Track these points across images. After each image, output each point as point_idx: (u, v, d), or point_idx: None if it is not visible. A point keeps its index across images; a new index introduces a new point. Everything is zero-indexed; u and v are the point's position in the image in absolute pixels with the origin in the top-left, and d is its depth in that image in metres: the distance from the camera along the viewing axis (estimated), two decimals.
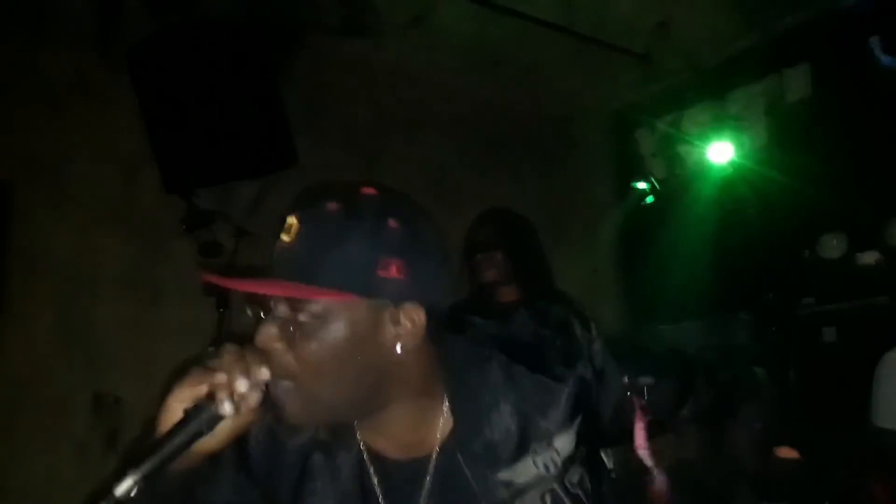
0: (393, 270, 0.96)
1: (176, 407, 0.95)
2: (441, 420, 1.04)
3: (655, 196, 4.46)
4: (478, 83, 3.99)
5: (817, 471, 3.14)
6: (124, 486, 0.87)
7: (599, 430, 1.07)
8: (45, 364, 3.11)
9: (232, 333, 2.78)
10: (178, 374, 0.96)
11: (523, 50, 3.78)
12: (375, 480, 1.05)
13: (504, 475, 1.00)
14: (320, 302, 0.95)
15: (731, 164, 4.12)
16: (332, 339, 0.95)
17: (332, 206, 0.99)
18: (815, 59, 3.86)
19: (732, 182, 4.11)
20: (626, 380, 2.87)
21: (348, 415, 1.04)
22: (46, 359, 3.12)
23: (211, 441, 0.95)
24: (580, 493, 1.01)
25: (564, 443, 1.02)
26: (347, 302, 0.95)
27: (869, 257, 3.73)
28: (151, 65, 3.03)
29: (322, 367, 0.96)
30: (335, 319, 0.95)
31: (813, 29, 3.75)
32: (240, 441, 1.03)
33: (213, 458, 0.99)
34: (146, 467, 0.89)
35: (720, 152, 4.12)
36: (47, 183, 3.23)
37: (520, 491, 0.99)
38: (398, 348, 0.98)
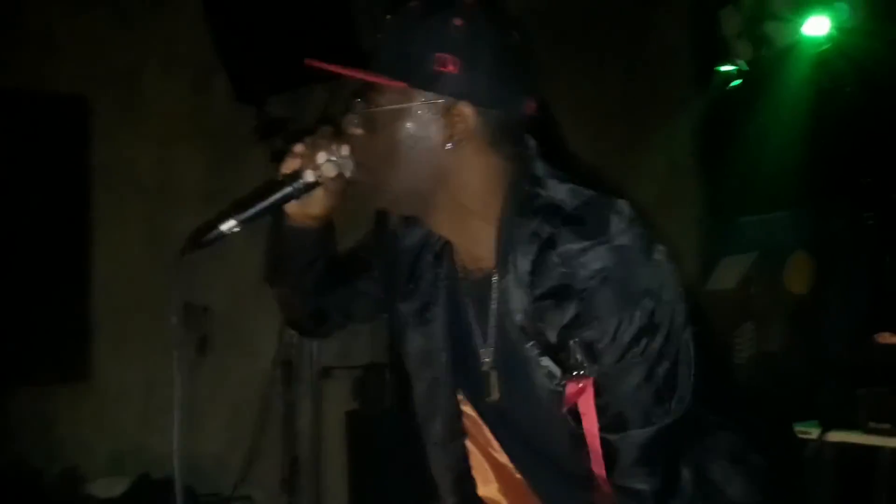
0: (449, 66, 1.02)
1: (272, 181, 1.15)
2: (491, 246, 1.08)
3: (742, 80, 4.21)
4: None
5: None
6: (228, 225, 1.11)
7: None
8: (138, 275, 3.22)
9: None
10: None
11: None
12: (463, 293, 1.16)
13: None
14: (386, 94, 1.05)
15: (827, 38, 3.82)
16: (394, 129, 1.05)
17: (414, 3, 1.06)
18: None
19: (828, 59, 3.82)
20: None
21: (408, 204, 1.12)
22: (137, 270, 3.23)
23: (312, 207, 1.16)
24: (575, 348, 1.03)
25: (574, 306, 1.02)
26: (407, 91, 1.04)
27: None
28: None
29: (387, 155, 1.06)
30: (398, 111, 1.05)
31: None
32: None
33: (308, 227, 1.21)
34: (247, 214, 1.12)
35: (815, 27, 3.82)
36: (121, 97, 3.26)
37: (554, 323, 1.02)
38: (448, 145, 1.04)
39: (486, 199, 1.07)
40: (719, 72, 4.26)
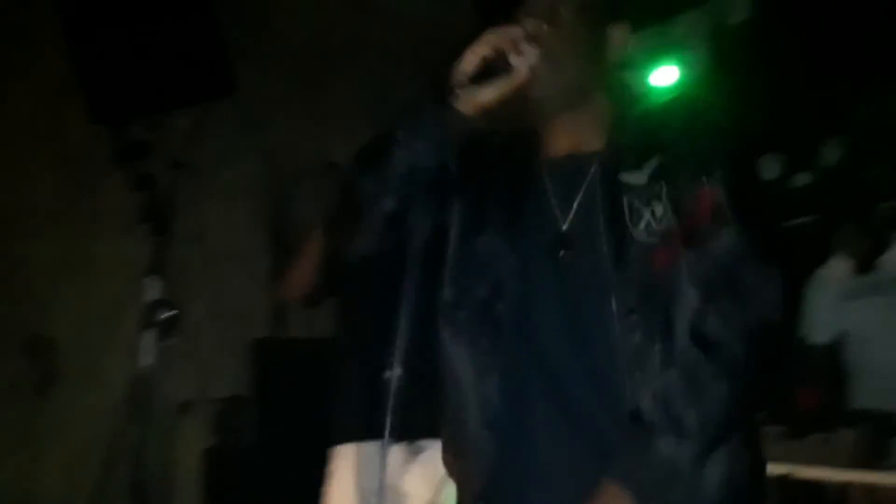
0: None
1: (472, 57, 1.23)
2: (607, 131, 1.29)
3: None
4: (426, 10, 3.87)
5: None
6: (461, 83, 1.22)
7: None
8: None
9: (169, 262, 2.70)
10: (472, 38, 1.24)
11: None
12: (546, 176, 1.31)
13: (624, 177, 1.23)
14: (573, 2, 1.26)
15: (675, 87, 4.13)
16: (579, 31, 1.27)
17: None
18: None
19: (676, 108, 4.12)
20: None
21: (569, 98, 1.28)
22: None
23: (488, 94, 1.23)
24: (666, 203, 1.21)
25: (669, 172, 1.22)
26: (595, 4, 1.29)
27: (803, 178, 3.83)
28: None
29: (570, 52, 1.26)
30: (584, 15, 1.27)
31: None
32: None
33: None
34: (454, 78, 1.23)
35: (665, 76, 4.13)
36: None
37: (631, 189, 1.22)
38: (613, 53, 1.30)
39: (614, 91, 1.32)
40: None
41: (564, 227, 1.27)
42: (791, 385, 3.09)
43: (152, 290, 2.56)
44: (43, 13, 2.91)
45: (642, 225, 1.20)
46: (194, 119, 3.35)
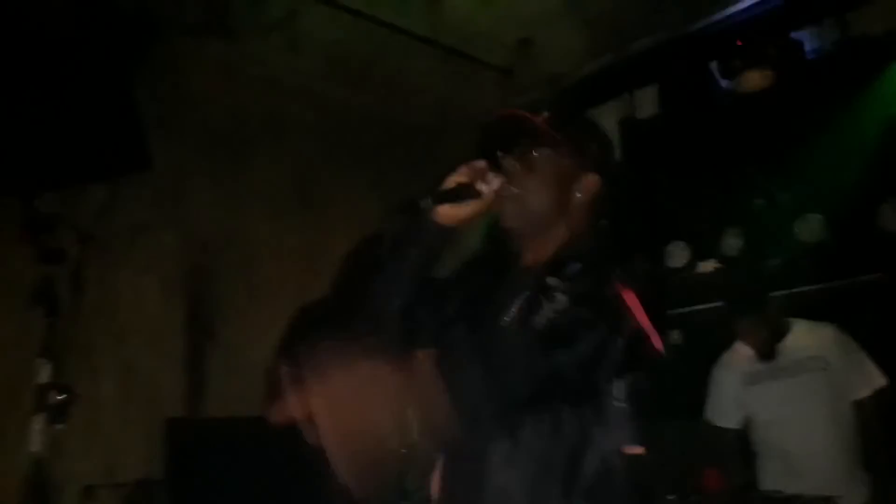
0: (594, 148, 1.62)
1: (450, 182, 1.54)
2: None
3: None
4: (343, 90, 3.97)
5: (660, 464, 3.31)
6: (425, 202, 1.50)
7: None
8: None
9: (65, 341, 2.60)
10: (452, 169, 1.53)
11: (389, 59, 3.80)
12: (520, 278, 1.57)
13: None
14: (550, 149, 1.56)
15: None
16: (547, 173, 1.56)
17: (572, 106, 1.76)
18: (662, 81, 4.13)
19: None
20: None
21: (537, 228, 1.58)
22: None
23: (462, 211, 1.53)
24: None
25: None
26: (567, 151, 1.57)
27: (708, 265, 4.02)
28: None
29: (537, 191, 1.56)
30: (555, 162, 1.56)
31: (660, 52, 4.00)
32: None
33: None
34: (435, 196, 1.50)
35: None
36: None
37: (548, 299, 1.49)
38: (578, 195, 1.56)
39: (579, 228, 1.59)
40: None
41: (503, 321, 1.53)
42: (698, 466, 3.17)
43: (43, 372, 2.46)
44: None
45: (538, 324, 1.46)
46: (108, 192, 3.29)
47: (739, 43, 3.73)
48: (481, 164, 1.54)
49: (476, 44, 3.80)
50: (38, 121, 2.84)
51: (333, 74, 3.87)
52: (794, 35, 3.73)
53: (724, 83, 3.88)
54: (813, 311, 3.19)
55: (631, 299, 1.43)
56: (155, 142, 3.08)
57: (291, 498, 3.38)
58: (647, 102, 4.20)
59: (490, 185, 1.52)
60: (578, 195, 1.57)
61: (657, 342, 1.44)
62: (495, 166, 1.55)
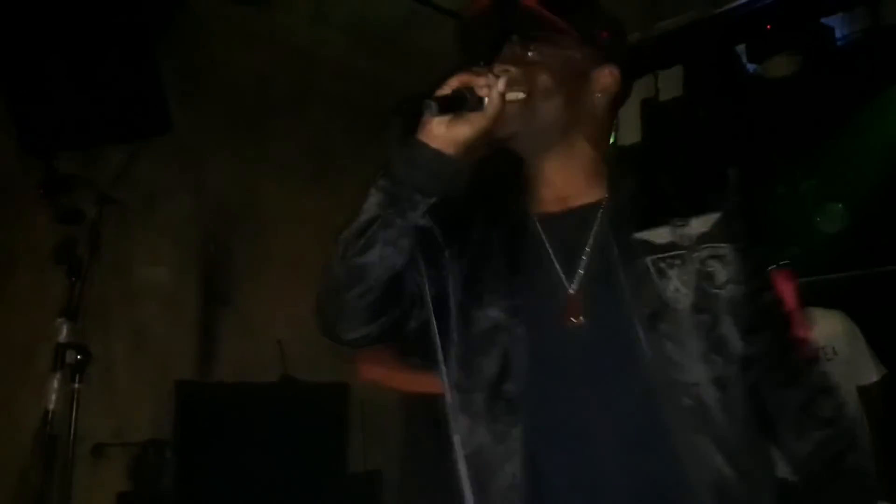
0: (605, 35, 1.25)
1: (444, 89, 1.13)
2: (601, 183, 1.23)
3: None
4: (365, 61, 3.94)
5: None
6: (430, 105, 1.10)
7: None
8: None
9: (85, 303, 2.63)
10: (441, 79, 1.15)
11: (413, 31, 3.76)
12: (543, 234, 1.23)
13: (642, 235, 1.16)
14: (548, 43, 1.21)
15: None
16: (554, 70, 1.20)
17: None
18: (686, 62, 4.06)
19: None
20: None
21: (546, 138, 1.23)
22: None
23: (463, 128, 1.12)
24: (699, 269, 1.15)
25: (700, 224, 1.17)
26: (570, 42, 1.21)
27: None
28: (15, 17, 2.80)
29: (545, 88, 1.19)
30: (558, 57, 1.21)
31: (687, 33, 3.94)
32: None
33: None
34: (437, 101, 1.10)
35: None
36: None
37: (653, 250, 1.15)
38: (598, 95, 1.24)
39: (604, 147, 1.26)
40: None
41: (571, 290, 1.18)
42: None
43: (63, 332, 2.49)
44: None
45: (671, 289, 1.13)
46: (127, 155, 3.30)
47: (769, 27, 3.66)
48: (481, 69, 1.16)
49: None
50: (60, 81, 2.85)
51: (357, 45, 3.84)
52: (824, 21, 3.66)
53: (750, 67, 3.82)
54: (830, 301, 3.17)
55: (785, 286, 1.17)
56: (176, 107, 3.08)
57: (296, 464, 3.42)
58: (671, 84, 4.13)
59: (495, 87, 1.13)
60: (598, 95, 1.23)
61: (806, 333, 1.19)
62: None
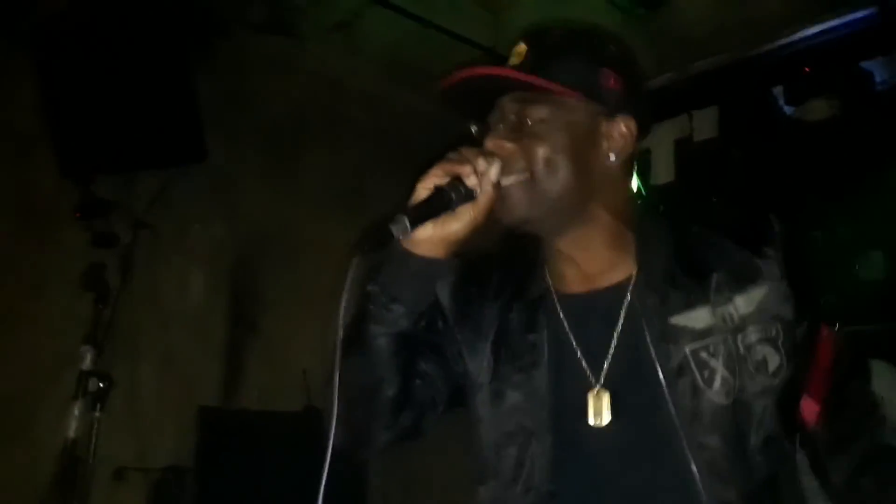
0: (612, 81, 1.07)
1: (423, 192, 1.01)
2: (629, 256, 1.08)
3: None
4: (399, 94, 3.97)
5: None
6: (399, 225, 0.95)
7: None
8: None
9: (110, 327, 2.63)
10: (421, 171, 1.03)
11: (447, 65, 3.79)
12: (565, 320, 1.08)
13: (678, 320, 1.02)
14: (545, 106, 1.05)
15: (638, 196, 4.25)
16: (557, 139, 1.04)
17: (556, 30, 1.12)
18: (722, 103, 4.04)
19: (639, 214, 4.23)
20: None
21: (559, 217, 1.07)
22: None
23: (453, 225, 1.01)
24: (749, 356, 1.01)
25: (745, 303, 1.03)
26: (571, 102, 1.05)
27: None
28: (58, 42, 2.87)
29: (548, 163, 1.04)
30: (560, 122, 1.05)
31: (722, 75, 3.92)
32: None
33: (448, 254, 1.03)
34: (413, 215, 0.96)
35: None
36: None
37: (692, 336, 1.01)
38: (611, 157, 1.07)
39: (627, 213, 1.11)
40: None
41: (596, 387, 1.04)
42: None
43: (87, 359, 2.50)
44: (23, 66, 2.91)
45: (717, 384, 0.99)
46: (162, 181, 3.34)
47: (807, 70, 3.63)
48: (467, 151, 1.04)
49: None
50: (99, 106, 2.91)
51: (391, 78, 3.87)
52: (863, 65, 3.62)
53: (787, 110, 3.78)
54: (867, 352, 3.07)
55: (827, 346, 1.01)
56: (212, 134, 3.11)
57: (315, 496, 3.37)
58: (706, 124, 4.11)
59: (487, 177, 1.01)
60: (611, 156, 1.07)
61: (816, 418, 1.03)
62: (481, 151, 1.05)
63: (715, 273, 1.05)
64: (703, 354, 1.01)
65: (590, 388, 1.05)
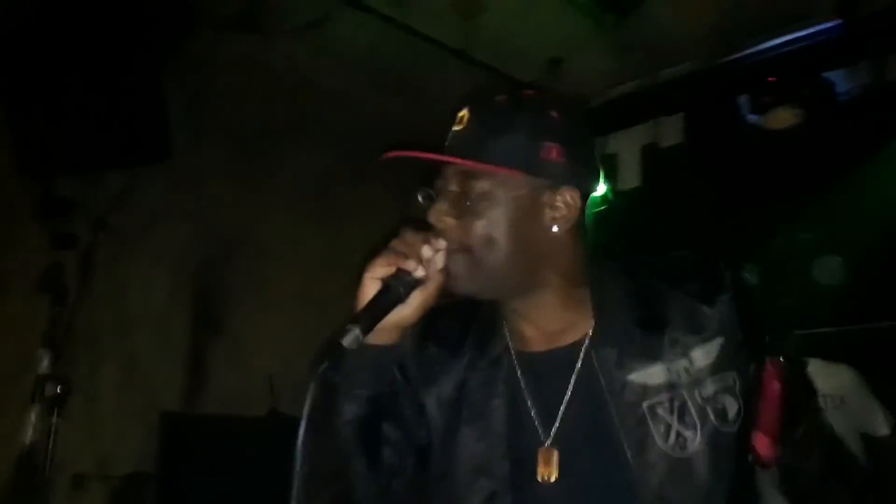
0: (554, 154, 1.07)
1: (371, 283, 1.05)
2: (586, 314, 1.11)
3: None
4: (369, 95, 3.95)
5: None
6: (350, 338, 0.97)
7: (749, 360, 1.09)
8: None
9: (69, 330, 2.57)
10: (366, 262, 1.07)
11: (418, 68, 3.78)
12: (521, 378, 1.12)
13: (636, 377, 1.05)
14: (487, 181, 1.06)
15: (604, 200, 4.28)
16: (498, 214, 1.06)
17: (500, 98, 1.11)
18: (689, 110, 4.09)
19: (605, 219, 4.26)
20: None
21: (507, 287, 1.10)
22: None
23: (405, 311, 1.05)
24: (708, 407, 1.04)
25: (700, 356, 1.06)
26: (512, 178, 1.06)
27: None
28: (19, 36, 2.79)
29: (488, 240, 1.06)
30: (500, 197, 1.07)
31: (689, 82, 3.97)
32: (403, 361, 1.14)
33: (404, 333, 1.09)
34: (364, 323, 0.99)
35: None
36: None
37: (648, 393, 1.04)
38: (555, 228, 1.09)
39: (581, 273, 1.12)
40: None
41: (547, 442, 1.07)
42: None
43: (44, 363, 2.43)
44: None
45: (672, 439, 1.02)
46: (126, 180, 3.28)
47: (771, 79, 3.69)
48: (408, 238, 1.07)
49: (507, 60, 3.78)
50: (61, 103, 2.84)
51: (362, 79, 3.85)
52: (826, 75, 3.69)
53: (752, 118, 3.84)
54: (824, 354, 3.14)
55: (773, 387, 1.02)
56: (178, 134, 3.06)
57: (278, 501, 3.33)
58: (672, 131, 4.16)
59: (432, 262, 1.05)
60: (555, 227, 1.09)
61: (771, 451, 1.04)
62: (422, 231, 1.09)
63: (669, 328, 1.07)
64: (660, 410, 1.04)
65: (540, 445, 1.08)
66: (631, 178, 4.30)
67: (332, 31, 3.49)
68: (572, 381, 1.09)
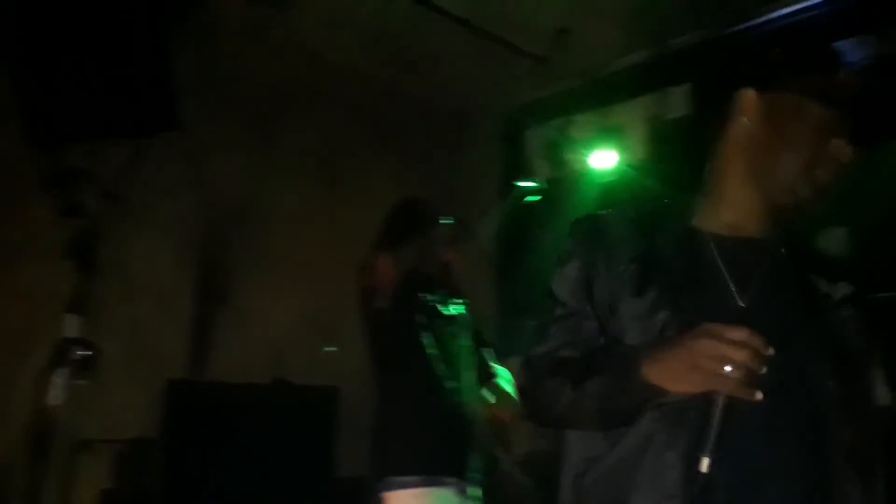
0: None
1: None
2: (772, 218, 1.25)
3: (540, 197, 4.55)
4: (376, 67, 3.93)
5: None
6: (705, 464, 1.02)
7: None
8: None
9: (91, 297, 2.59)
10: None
11: (424, 38, 3.76)
12: (715, 249, 1.22)
13: (824, 287, 1.22)
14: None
15: (614, 171, 4.27)
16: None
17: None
18: (696, 81, 4.04)
19: (613, 190, 4.26)
20: None
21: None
22: None
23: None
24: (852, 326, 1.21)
25: (844, 288, 1.24)
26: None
27: None
28: (26, 6, 2.79)
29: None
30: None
31: (697, 52, 3.93)
32: None
33: None
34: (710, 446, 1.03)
35: (603, 160, 4.26)
36: None
37: (833, 306, 1.20)
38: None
39: (772, 176, 1.29)
40: (518, 186, 4.58)
41: (742, 304, 1.17)
42: None
43: (71, 327, 2.46)
44: None
45: (848, 338, 1.20)
46: (133, 150, 3.28)
47: (779, 49, 3.65)
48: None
49: (513, 30, 3.75)
50: (68, 73, 2.83)
51: (369, 50, 3.83)
52: (833, 45, 3.65)
53: None
54: None
55: None
56: (186, 104, 3.06)
57: (283, 467, 3.39)
58: (678, 102, 4.13)
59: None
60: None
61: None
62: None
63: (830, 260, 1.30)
64: (843, 314, 1.21)
65: (736, 306, 1.16)
66: (638, 148, 4.28)
67: (338, 2, 3.47)
68: (768, 265, 1.20)
